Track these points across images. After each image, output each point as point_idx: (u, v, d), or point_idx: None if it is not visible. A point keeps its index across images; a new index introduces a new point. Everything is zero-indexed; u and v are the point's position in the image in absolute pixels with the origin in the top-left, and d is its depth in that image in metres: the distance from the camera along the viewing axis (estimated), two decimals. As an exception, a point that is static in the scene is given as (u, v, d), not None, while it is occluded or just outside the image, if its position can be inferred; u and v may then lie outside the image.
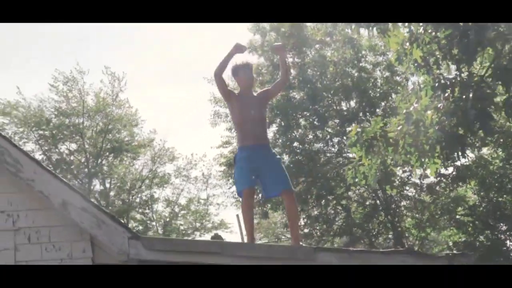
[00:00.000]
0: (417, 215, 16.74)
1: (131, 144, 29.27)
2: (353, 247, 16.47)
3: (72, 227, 5.16)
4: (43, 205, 5.16)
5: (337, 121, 18.47)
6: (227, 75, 6.48)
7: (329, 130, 18.43)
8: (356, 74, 18.25)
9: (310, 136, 18.90)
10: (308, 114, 18.45)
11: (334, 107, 18.73)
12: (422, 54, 7.50)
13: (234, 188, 17.67)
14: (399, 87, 17.14)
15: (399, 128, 7.08)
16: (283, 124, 18.32)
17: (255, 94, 6.29)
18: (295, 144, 18.67)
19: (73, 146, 28.88)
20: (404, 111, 7.32)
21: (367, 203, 17.20)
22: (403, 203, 17.62)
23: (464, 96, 6.77)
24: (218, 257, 5.26)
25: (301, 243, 5.85)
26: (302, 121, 18.86)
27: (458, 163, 15.86)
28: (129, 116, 29.53)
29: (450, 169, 16.17)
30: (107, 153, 29.27)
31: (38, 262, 5.00)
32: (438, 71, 7.70)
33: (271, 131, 18.79)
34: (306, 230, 17.69)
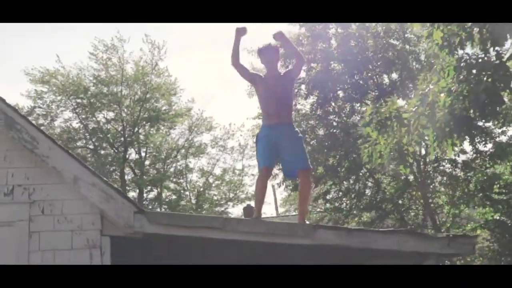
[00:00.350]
0: (450, 192, 16.72)
1: (168, 114, 29.65)
2: (382, 221, 16.68)
3: (83, 201, 5.58)
4: (57, 180, 5.59)
5: (376, 94, 18.39)
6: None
7: (368, 102, 18.40)
8: (400, 46, 18.02)
9: (348, 109, 18.91)
10: (347, 87, 18.45)
11: (375, 80, 18.65)
12: (443, 35, 7.54)
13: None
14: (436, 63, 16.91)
15: (414, 109, 7.20)
16: (321, 96, 18.37)
17: (281, 73, 6.54)
18: (332, 116, 18.76)
19: (110, 114, 29.39)
20: (420, 92, 7.42)
21: (401, 177, 17.21)
22: (438, 178, 17.58)
23: (478, 78, 6.80)
24: (219, 232, 5.63)
25: (306, 221, 6.12)
26: (341, 93, 18.85)
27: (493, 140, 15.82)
28: (168, 85, 29.82)
29: (489, 145, 16.12)
30: (144, 122, 29.72)
31: (50, 233, 5.45)
32: (462, 51, 7.64)
33: (308, 103, 18.89)
34: (336, 204, 17.90)
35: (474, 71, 7.06)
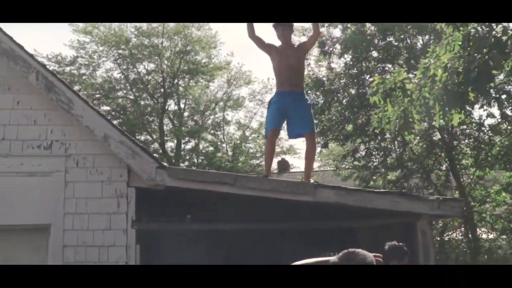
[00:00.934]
0: (476, 154, 17.13)
1: (208, 66, 30.41)
2: (407, 181, 17.24)
3: (112, 156, 6.46)
4: (89, 137, 6.47)
5: (406, 56, 18.71)
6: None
7: (401, 62, 18.75)
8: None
9: (379, 70, 19.29)
10: (380, 49, 18.80)
11: (407, 42, 18.92)
12: None
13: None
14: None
15: (416, 81, 7.75)
16: (354, 56, 18.76)
17: (295, 45, 7.21)
18: (364, 76, 19.18)
19: (151, 66, 30.34)
20: (423, 66, 7.86)
21: (428, 138, 17.66)
22: (466, 141, 17.94)
23: (473, 56, 7.17)
24: (229, 187, 6.46)
25: (311, 180, 6.87)
26: (375, 53, 19.21)
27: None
28: (208, 38, 30.50)
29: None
30: (184, 74, 30.57)
31: (83, 183, 6.37)
32: (470, 26, 7.82)
33: (342, 62, 19.31)
34: (363, 162, 18.47)
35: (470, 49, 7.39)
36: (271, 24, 7.03)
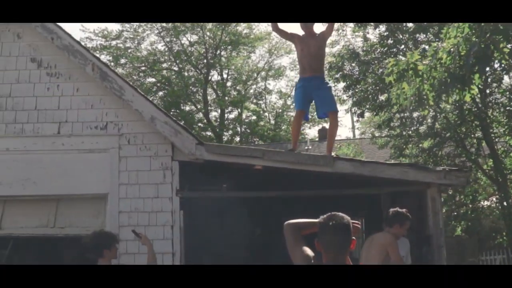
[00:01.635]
0: (508, 122, 17.54)
1: (249, 37, 31.36)
2: (440, 149, 17.91)
3: (158, 134, 7.61)
4: (138, 118, 7.63)
5: (436, 30, 19.07)
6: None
7: (431, 37, 19.09)
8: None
9: (413, 42, 19.72)
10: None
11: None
12: None
13: (342, 84, 19.33)
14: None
15: (427, 62, 8.59)
16: (389, 27, 19.19)
17: (316, 34, 8.18)
18: (399, 46, 19.72)
19: (194, 37, 31.48)
20: (433, 48, 8.63)
21: (464, 107, 18.16)
22: (501, 109, 18.28)
23: (475, 41, 7.86)
24: (259, 160, 7.56)
25: (332, 154, 7.90)
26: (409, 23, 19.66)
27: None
28: (249, 9, 31.43)
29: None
30: (225, 46, 31.63)
31: (134, 158, 7.56)
32: None
33: (377, 33, 19.89)
34: (398, 130, 19.16)
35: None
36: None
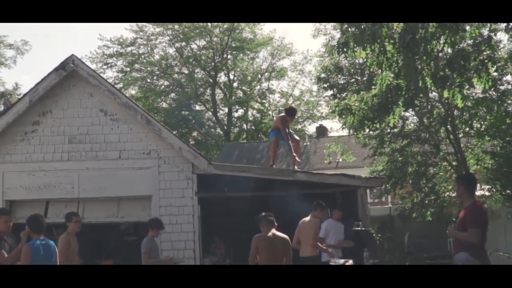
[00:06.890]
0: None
1: (252, 43, 36.34)
2: (410, 148, 22.80)
3: (184, 157, 12.80)
4: (170, 147, 12.83)
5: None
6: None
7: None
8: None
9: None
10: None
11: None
12: None
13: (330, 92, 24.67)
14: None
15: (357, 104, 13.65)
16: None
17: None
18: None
19: (202, 42, 36.54)
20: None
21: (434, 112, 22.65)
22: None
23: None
24: (246, 173, 12.77)
25: (295, 167, 13.03)
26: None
27: None
28: (252, 16, 36.25)
29: None
30: (231, 50, 36.66)
31: (168, 173, 12.74)
32: None
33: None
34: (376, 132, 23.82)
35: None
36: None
